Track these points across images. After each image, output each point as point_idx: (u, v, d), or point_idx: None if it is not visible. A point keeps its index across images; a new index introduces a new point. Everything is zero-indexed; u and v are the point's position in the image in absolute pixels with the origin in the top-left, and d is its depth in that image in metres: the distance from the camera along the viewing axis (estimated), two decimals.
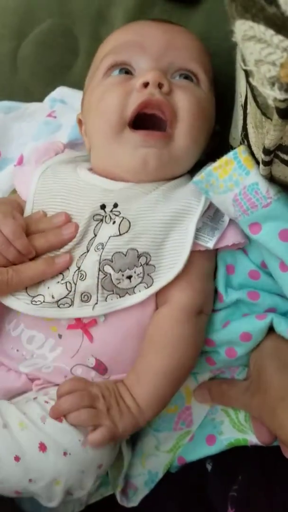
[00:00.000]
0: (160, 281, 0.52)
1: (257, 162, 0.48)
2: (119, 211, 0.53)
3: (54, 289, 0.52)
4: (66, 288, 0.52)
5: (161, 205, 0.53)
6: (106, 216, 0.53)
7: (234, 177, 0.49)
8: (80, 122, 0.64)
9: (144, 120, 0.53)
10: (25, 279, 0.52)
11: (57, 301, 0.52)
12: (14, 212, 0.54)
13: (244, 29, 0.29)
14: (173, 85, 0.53)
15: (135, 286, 0.52)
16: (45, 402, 0.51)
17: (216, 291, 0.56)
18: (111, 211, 0.53)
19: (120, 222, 0.52)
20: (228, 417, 0.59)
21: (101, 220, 0.53)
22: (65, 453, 0.48)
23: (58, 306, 0.52)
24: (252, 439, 0.56)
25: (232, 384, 0.58)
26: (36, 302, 0.53)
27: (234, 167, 0.49)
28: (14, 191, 0.68)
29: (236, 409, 0.58)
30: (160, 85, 0.52)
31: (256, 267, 0.55)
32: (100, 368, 0.54)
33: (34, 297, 0.53)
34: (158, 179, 0.55)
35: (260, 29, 0.27)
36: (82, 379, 0.52)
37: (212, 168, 0.51)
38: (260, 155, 0.43)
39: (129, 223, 0.52)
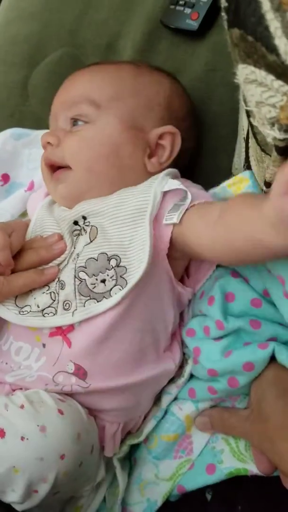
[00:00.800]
0: (132, 279, 0.54)
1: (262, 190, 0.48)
2: (89, 222, 0.58)
3: (40, 298, 0.56)
4: (51, 297, 0.56)
5: (120, 208, 0.57)
6: (81, 229, 0.59)
7: None
8: None
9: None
10: (16, 288, 0.56)
11: (42, 310, 0.56)
12: (12, 229, 0.59)
13: (246, 72, 0.30)
14: (65, 136, 0.61)
15: (111, 289, 0.54)
16: (11, 394, 0.54)
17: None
18: (84, 223, 0.59)
19: (90, 230, 0.57)
20: (228, 445, 0.58)
21: (79, 234, 0.59)
22: (22, 438, 0.48)
23: (43, 315, 0.56)
24: (252, 468, 0.56)
25: (233, 412, 0.58)
26: (23, 312, 0.56)
27: (248, 184, 0.51)
28: (23, 214, 0.72)
29: (236, 438, 0.58)
30: (49, 144, 0.62)
31: (258, 295, 0.56)
32: (80, 372, 0.55)
33: (22, 308, 0.57)
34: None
35: (261, 74, 0.28)
36: None
37: (226, 184, 0.53)
38: (262, 187, 0.44)
39: (96, 229, 0.57)
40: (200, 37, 0.70)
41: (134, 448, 0.63)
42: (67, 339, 0.56)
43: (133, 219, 0.55)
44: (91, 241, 0.57)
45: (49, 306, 0.56)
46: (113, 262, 0.55)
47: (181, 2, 0.69)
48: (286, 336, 0.55)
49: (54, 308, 0.56)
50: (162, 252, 0.55)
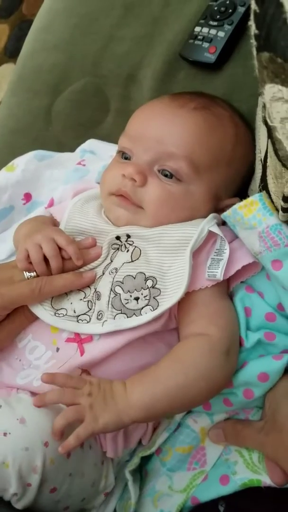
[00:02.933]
0: (164, 304, 0.56)
1: (277, 210, 0.52)
2: (132, 241, 0.60)
3: (77, 305, 0.59)
4: (88, 306, 0.58)
5: (165, 236, 0.59)
6: (122, 245, 0.60)
7: (258, 216, 0.54)
8: None
9: None
10: (56, 288, 0.59)
11: (78, 316, 0.58)
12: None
13: (273, 91, 0.34)
14: (151, 178, 0.60)
15: (142, 308, 0.56)
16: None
17: None
18: (126, 241, 0.60)
19: (133, 251, 0.59)
20: (242, 457, 0.59)
21: (118, 248, 0.60)
22: (5, 434, 0.50)
23: (77, 321, 0.58)
24: (265, 480, 0.56)
25: (247, 424, 0.59)
26: (59, 314, 0.59)
27: (258, 207, 0.54)
28: None
29: (250, 450, 0.59)
30: (133, 179, 0.60)
31: (272, 309, 0.58)
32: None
33: (57, 310, 0.59)
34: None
35: None
36: (76, 377, 0.54)
37: (237, 207, 0.56)
38: (279, 203, 0.47)
39: (140, 251, 0.59)
40: (217, 69, 0.74)
41: (145, 460, 0.64)
42: (82, 348, 0.57)
43: (176, 247, 0.58)
44: (132, 261, 0.59)
45: (84, 314, 0.58)
46: (149, 283, 0.57)
47: (199, 37, 0.74)
48: None
49: (89, 316, 0.58)
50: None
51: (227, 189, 0.64)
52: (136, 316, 0.56)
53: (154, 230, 0.60)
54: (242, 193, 0.65)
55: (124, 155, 0.64)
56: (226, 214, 0.58)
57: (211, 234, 0.58)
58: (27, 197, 0.80)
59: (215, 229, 0.58)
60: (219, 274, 0.56)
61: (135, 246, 0.59)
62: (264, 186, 0.54)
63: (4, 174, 0.80)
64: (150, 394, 0.52)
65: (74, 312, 0.58)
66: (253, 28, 0.33)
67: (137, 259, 0.59)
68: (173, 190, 0.60)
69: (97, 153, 0.80)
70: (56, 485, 0.53)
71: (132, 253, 0.59)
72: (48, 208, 0.74)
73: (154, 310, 0.56)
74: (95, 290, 0.59)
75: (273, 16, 0.30)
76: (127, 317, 0.56)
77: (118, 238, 0.61)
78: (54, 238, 0.59)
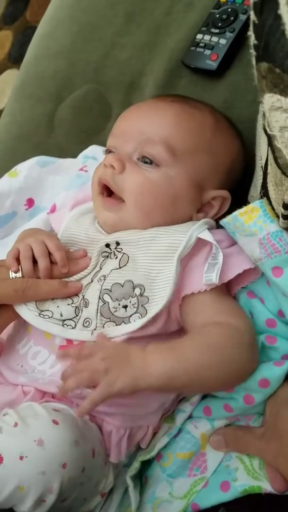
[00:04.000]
0: (151, 311, 0.56)
1: (278, 216, 0.52)
2: (121, 248, 0.60)
3: (64, 308, 0.59)
4: (75, 312, 0.59)
5: (154, 242, 0.59)
6: (111, 253, 0.61)
7: (259, 223, 0.54)
8: None
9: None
10: (41, 293, 0.59)
11: (64, 320, 0.58)
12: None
13: (272, 101, 0.34)
14: (130, 166, 0.61)
15: (130, 316, 0.57)
16: (3, 415, 0.53)
17: None
18: (115, 248, 0.61)
19: (121, 257, 0.60)
20: (242, 464, 0.59)
21: (107, 256, 0.61)
22: (21, 457, 0.49)
23: (63, 325, 0.58)
24: (266, 487, 0.56)
25: (247, 430, 0.59)
26: (44, 316, 0.59)
27: (259, 214, 0.54)
28: None
29: (250, 456, 0.59)
30: (112, 167, 0.61)
31: (273, 315, 0.58)
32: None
33: (42, 311, 0.59)
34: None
35: (287, 102, 0.32)
36: (89, 346, 0.52)
37: (238, 213, 0.56)
38: (280, 210, 0.48)
39: (128, 257, 0.59)
40: (219, 76, 0.75)
41: (145, 466, 0.64)
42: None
43: (164, 254, 0.58)
44: (120, 267, 0.59)
45: (70, 319, 0.58)
46: (137, 291, 0.57)
47: (201, 44, 0.74)
48: None
49: (74, 322, 0.58)
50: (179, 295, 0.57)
51: (210, 179, 0.63)
52: (125, 323, 0.57)
53: (143, 234, 0.60)
54: (242, 200, 0.65)
55: (108, 151, 0.65)
56: (226, 221, 0.58)
57: (204, 241, 0.58)
58: (30, 202, 0.81)
59: (205, 236, 0.58)
60: (214, 277, 0.55)
61: (124, 253, 0.60)
62: (265, 193, 0.55)
63: (7, 180, 0.80)
64: (170, 366, 0.50)
65: (61, 315, 0.59)
66: (252, 39, 0.33)
67: (125, 265, 0.59)
68: (151, 176, 0.60)
69: (99, 158, 0.81)
70: (67, 495, 0.53)
71: (120, 259, 0.59)
72: (50, 213, 0.75)
73: (142, 317, 0.56)
74: (83, 297, 0.59)
75: (271, 27, 0.30)
76: (116, 324, 0.57)
77: (108, 245, 0.61)
78: (45, 241, 0.61)
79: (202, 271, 0.57)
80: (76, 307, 0.59)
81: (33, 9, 1.76)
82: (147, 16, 0.82)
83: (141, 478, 0.65)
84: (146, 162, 0.61)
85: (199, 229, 0.59)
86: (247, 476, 0.58)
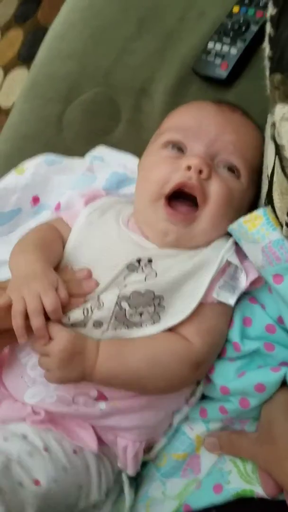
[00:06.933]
0: (166, 322, 0.57)
1: (281, 225, 0.53)
2: (151, 266, 0.58)
3: (72, 312, 0.57)
4: (83, 313, 0.56)
5: (186, 263, 0.59)
6: (138, 268, 0.58)
7: (262, 231, 0.55)
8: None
9: (184, 192, 0.60)
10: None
11: (71, 324, 0.56)
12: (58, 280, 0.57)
13: (283, 111, 0.35)
14: (214, 172, 0.59)
15: (143, 321, 0.57)
16: (23, 437, 0.57)
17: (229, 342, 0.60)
18: (145, 264, 0.58)
19: (148, 273, 0.58)
20: (236, 467, 0.60)
21: (134, 270, 0.58)
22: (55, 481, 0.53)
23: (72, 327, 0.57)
24: (258, 490, 0.57)
25: (242, 434, 0.60)
26: None
27: (262, 222, 0.55)
28: None
29: (244, 460, 0.59)
30: (200, 171, 0.58)
31: (273, 321, 0.59)
32: (101, 398, 0.58)
33: None
34: (180, 247, 0.61)
35: None
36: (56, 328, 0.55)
37: (242, 221, 0.57)
38: (284, 218, 0.49)
39: (156, 274, 0.58)
40: (228, 85, 0.76)
41: (141, 465, 0.64)
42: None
43: (192, 269, 0.58)
44: (144, 281, 0.57)
45: (79, 321, 0.56)
46: (156, 301, 0.57)
47: (212, 53, 0.75)
48: None
49: (84, 323, 0.57)
50: None
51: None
52: (137, 327, 0.57)
53: (177, 260, 0.59)
54: None
55: (175, 146, 0.62)
56: (232, 227, 0.59)
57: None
58: (35, 200, 0.81)
59: (233, 259, 0.59)
60: (232, 300, 0.57)
61: (152, 270, 0.58)
62: (269, 201, 0.56)
63: (14, 176, 0.81)
64: (113, 373, 0.55)
65: (69, 319, 0.56)
66: (267, 50, 0.34)
67: (150, 279, 0.57)
68: (232, 186, 0.60)
69: (106, 160, 0.82)
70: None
71: (147, 275, 0.58)
72: (55, 211, 0.75)
73: (154, 324, 0.57)
74: (98, 298, 0.57)
75: (287, 40, 0.32)
76: (128, 328, 0.57)
77: (139, 260, 0.59)
78: (41, 296, 0.54)
79: (215, 284, 0.58)
80: (85, 308, 0.57)
81: (45, 10, 1.78)
82: (159, 22, 0.83)
83: (136, 477, 0.66)
84: (230, 171, 0.61)
85: (229, 252, 0.59)
86: (240, 480, 0.59)
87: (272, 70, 0.35)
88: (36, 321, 0.53)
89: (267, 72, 0.35)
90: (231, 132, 0.61)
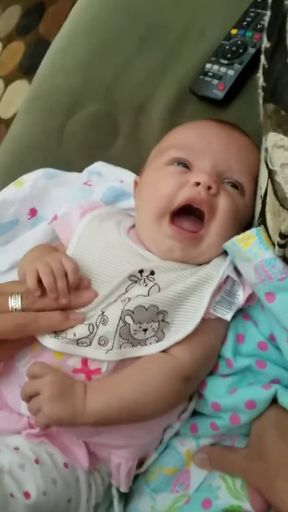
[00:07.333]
0: (170, 338, 0.57)
1: (273, 244, 0.54)
2: (154, 278, 0.59)
3: (78, 328, 0.57)
4: (88, 329, 0.57)
5: (188, 278, 0.59)
6: (140, 279, 0.59)
7: (254, 250, 0.56)
8: (136, 184, 0.72)
9: (189, 208, 0.61)
10: (42, 328, 0.57)
11: (78, 340, 0.56)
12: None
13: (275, 140, 0.36)
14: (221, 188, 0.61)
15: (147, 338, 0.57)
16: (15, 449, 0.56)
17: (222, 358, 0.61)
18: (147, 276, 0.59)
19: (152, 287, 0.58)
20: (225, 483, 0.60)
21: (136, 281, 0.59)
22: (44, 493, 0.53)
23: (77, 344, 0.57)
24: (246, 507, 0.57)
25: (232, 450, 0.60)
26: (58, 337, 0.57)
27: (255, 241, 0.56)
28: None
29: (233, 476, 0.60)
30: (209, 187, 0.59)
31: (265, 339, 0.60)
32: None
33: (58, 334, 0.57)
34: (185, 262, 0.62)
35: None
36: (42, 366, 0.56)
37: (236, 239, 0.58)
38: (276, 239, 0.50)
39: (159, 288, 0.58)
40: (224, 106, 0.77)
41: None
42: (91, 379, 0.56)
43: (194, 285, 0.58)
44: (148, 295, 0.57)
45: (85, 337, 0.56)
46: (160, 316, 0.57)
47: (210, 74, 0.77)
48: None
49: (89, 339, 0.56)
50: None
51: None
52: (141, 346, 0.57)
53: (179, 274, 0.59)
54: None
55: (180, 164, 0.63)
56: (227, 245, 0.60)
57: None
58: (33, 212, 0.82)
59: (233, 275, 0.60)
60: (229, 316, 0.58)
61: (155, 283, 0.58)
62: (262, 221, 0.57)
63: (13, 188, 0.82)
64: (107, 407, 0.54)
65: (74, 335, 0.56)
66: (261, 81, 0.36)
67: (154, 294, 0.58)
68: (237, 202, 0.61)
69: (104, 174, 0.83)
70: None
71: (150, 288, 0.58)
72: (51, 223, 0.76)
73: (158, 341, 0.57)
74: (102, 314, 0.57)
75: (280, 73, 0.33)
76: (132, 346, 0.56)
77: (141, 271, 0.59)
78: (62, 261, 0.58)
79: (212, 300, 0.58)
80: (90, 324, 0.57)
81: (47, 23, 1.80)
82: (160, 41, 0.85)
83: (126, 492, 0.66)
84: (234, 186, 0.62)
85: (229, 268, 0.60)
86: (229, 495, 0.59)
87: (266, 100, 0.36)
88: (62, 282, 0.56)
89: (261, 101, 0.37)
90: (235, 151, 0.63)
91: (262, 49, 0.35)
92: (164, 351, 0.57)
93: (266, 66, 0.34)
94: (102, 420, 0.54)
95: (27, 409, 0.56)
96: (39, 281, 0.57)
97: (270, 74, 0.34)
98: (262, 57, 0.35)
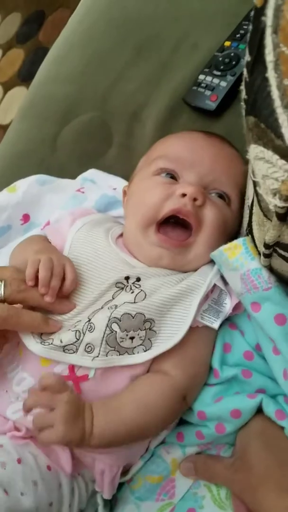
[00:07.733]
0: (158, 348, 0.57)
1: (259, 254, 0.55)
2: (140, 285, 0.59)
3: (64, 334, 0.57)
4: (75, 336, 0.57)
5: (174, 285, 0.60)
6: (127, 286, 0.59)
7: (240, 260, 0.56)
8: (124, 193, 0.73)
9: (177, 218, 0.61)
10: (22, 324, 0.56)
11: (64, 346, 0.56)
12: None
13: (256, 151, 0.37)
14: (207, 199, 0.62)
15: (135, 347, 0.57)
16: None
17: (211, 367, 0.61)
18: (133, 283, 0.59)
19: (138, 293, 0.58)
20: (210, 492, 0.60)
21: (122, 288, 0.59)
22: (22, 494, 0.52)
23: (64, 351, 0.56)
24: None
25: (217, 459, 0.60)
26: (45, 343, 0.57)
27: (241, 251, 0.56)
28: None
29: (218, 486, 0.60)
30: (195, 199, 0.60)
31: (251, 348, 0.60)
32: None
33: (44, 339, 0.57)
34: (172, 269, 0.62)
35: (269, 154, 0.35)
36: (60, 381, 0.55)
37: (223, 249, 0.58)
38: (261, 248, 0.50)
39: (145, 295, 0.58)
40: (216, 116, 0.78)
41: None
42: (78, 387, 0.56)
43: (181, 293, 0.58)
44: (134, 302, 0.58)
45: (71, 344, 0.56)
46: (147, 325, 0.57)
47: (202, 85, 0.78)
48: (274, 390, 0.59)
49: (75, 346, 0.56)
50: None
51: None
52: (128, 354, 0.57)
53: (165, 281, 0.60)
54: None
55: (168, 174, 0.64)
56: (214, 254, 0.60)
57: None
58: (25, 218, 0.82)
59: (220, 284, 0.60)
60: (216, 324, 0.59)
61: (141, 290, 0.59)
62: (250, 231, 0.57)
63: (6, 194, 0.82)
64: (113, 431, 0.55)
65: (61, 342, 0.56)
66: (243, 93, 0.36)
67: (140, 301, 0.58)
68: (224, 212, 0.62)
69: (97, 182, 0.83)
70: None
71: (136, 295, 0.58)
72: (43, 229, 0.76)
73: (146, 350, 0.57)
74: (89, 321, 0.57)
75: (259, 87, 0.33)
76: (119, 354, 0.57)
77: (127, 278, 0.60)
78: (65, 266, 0.58)
79: (199, 308, 0.59)
80: (76, 330, 0.57)
81: (47, 31, 1.82)
82: (155, 52, 0.86)
83: (111, 499, 0.66)
84: (220, 197, 0.63)
85: (216, 276, 0.61)
86: (213, 505, 0.59)
87: (247, 113, 0.37)
88: (56, 282, 0.57)
89: (243, 113, 0.37)
90: (222, 162, 0.64)
91: (244, 62, 0.36)
92: (154, 365, 0.58)
93: (247, 79, 0.35)
94: (107, 444, 0.55)
95: (12, 414, 0.57)
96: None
97: (251, 87, 0.35)
98: (244, 71, 0.36)
